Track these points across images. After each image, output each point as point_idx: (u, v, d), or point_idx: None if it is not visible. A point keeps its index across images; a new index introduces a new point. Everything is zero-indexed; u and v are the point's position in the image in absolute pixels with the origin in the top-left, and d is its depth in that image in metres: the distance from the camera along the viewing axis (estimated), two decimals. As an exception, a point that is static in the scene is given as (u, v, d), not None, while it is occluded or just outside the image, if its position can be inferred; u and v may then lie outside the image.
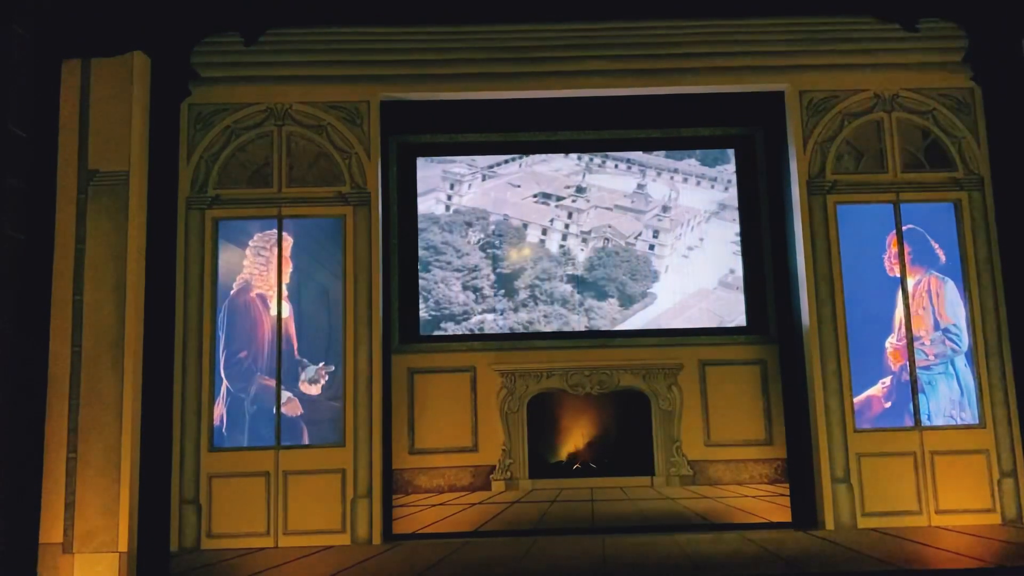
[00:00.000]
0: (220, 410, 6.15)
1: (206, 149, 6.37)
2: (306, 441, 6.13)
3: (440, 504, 6.48)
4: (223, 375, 6.18)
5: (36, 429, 5.41)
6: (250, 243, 6.36)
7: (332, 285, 6.28)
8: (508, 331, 6.68)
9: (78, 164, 5.75)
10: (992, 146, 6.36)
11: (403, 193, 6.87)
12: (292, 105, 6.44)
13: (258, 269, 6.33)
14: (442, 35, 6.44)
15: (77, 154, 5.76)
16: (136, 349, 5.62)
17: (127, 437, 5.47)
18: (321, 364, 6.16)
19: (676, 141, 7.01)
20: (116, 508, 5.38)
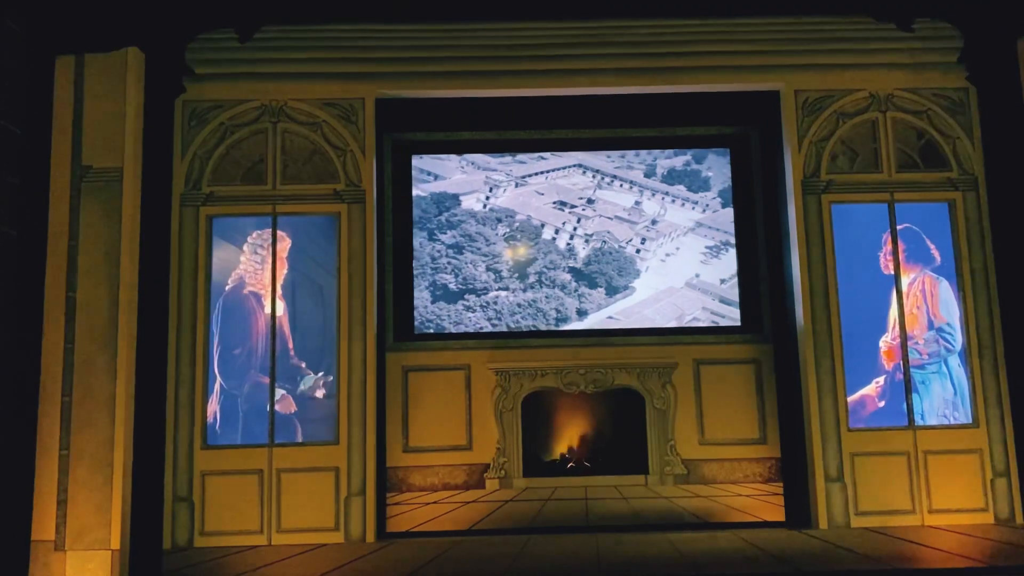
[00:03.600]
0: (214, 407, 6.14)
1: (200, 146, 6.35)
2: (300, 439, 6.12)
3: (434, 502, 6.48)
4: (217, 372, 6.17)
5: (28, 426, 5.39)
6: (244, 240, 6.34)
7: (326, 282, 6.27)
8: (504, 329, 6.70)
9: (71, 160, 5.73)
10: (986, 146, 6.37)
11: (398, 191, 6.88)
12: (287, 102, 6.43)
13: (252, 266, 6.32)
14: (438, 33, 6.43)
15: (70, 150, 5.74)
16: (129, 346, 5.60)
17: (120, 434, 5.45)
18: (320, 374, 6.14)
19: (671, 140, 7.02)
20: (108, 505, 5.36)
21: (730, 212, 6.66)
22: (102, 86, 5.79)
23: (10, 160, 5.31)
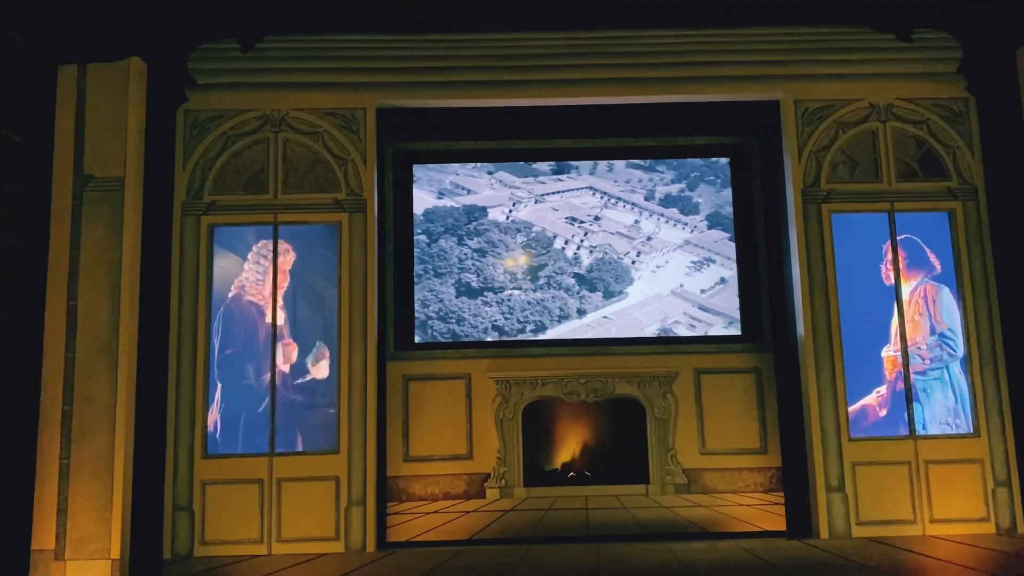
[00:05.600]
0: (214, 416, 6.13)
1: (202, 155, 6.37)
2: (300, 448, 6.12)
3: (434, 512, 6.47)
4: (217, 381, 6.17)
5: (29, 434, 5.39)
6: (246, 250, 6.35)
7: (327, 291, 6.28)
8: (504, 339, 6.74)
9: (73, 169, 5.74)
10: (986, 156, 6.38)
11: (398, 200, 6.90)
12: (288, 112, 6.45)
13: (253, 275, 6.33)
14: (438, 43, 6.46)
15: (72, 159, 5.75)
16: (130, 355, 5.60)
17: (120, 443, 5.45)
18: (319, 343, 6.15)
19: (671, 150, 7.06)
20: (109, 514, 5.36)
21: (714, 233, 6.89)
22: (104, 96, 5.81)
23: (12, 169, 5.33)
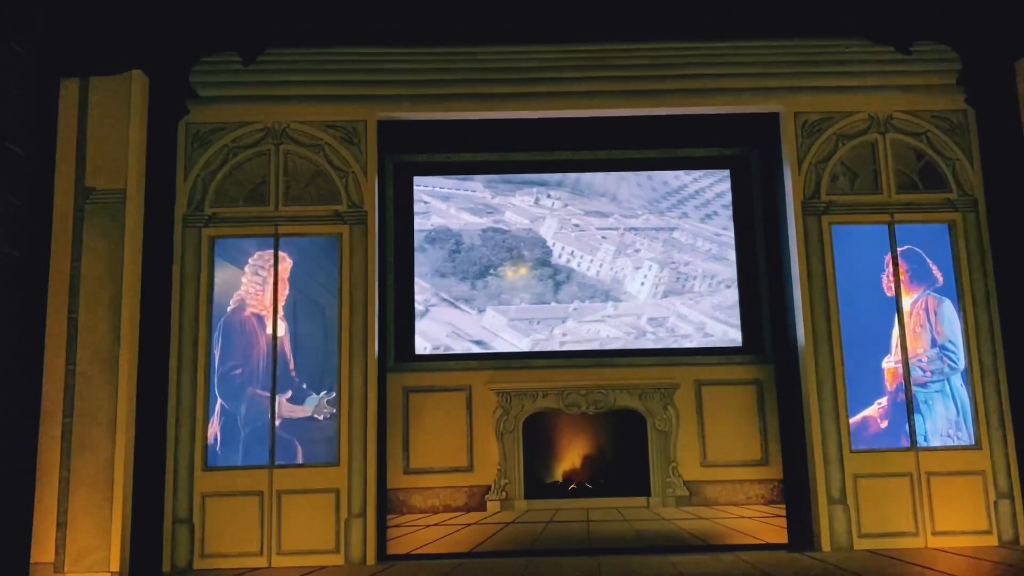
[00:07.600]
0: (214, 429, 6.13)
1: (203, 167, 6.38)
2: (300, 460, 6.11)
3: (435, 524, 6.45)
4: (217, 393, 6.16)
5: (29, 447, 5.39)
6: (246, 262, 6.36)
7: (328, 303, 6.28)
8: (505, 350, 6.76)
9: (75, 182, 5.77)
10: (985, 167, 6.40)
11: (399, 212, 6.92)
12: (289, 124, 6.47)
13: (254, 287, 6.33)
14: (439, 56, 6.49)
15: (74, 172, 5.78)
16: (131, 367, 5.61)
17: (120, 455, 5.45)
18: (324, 393, 6.14)
19: (672, 161, 7.07)
20: (108, 527, 5.35)
21: (698, 251, 7.03)
22: (106, 108, 5.85)
23: (14, 181, 5.35)
